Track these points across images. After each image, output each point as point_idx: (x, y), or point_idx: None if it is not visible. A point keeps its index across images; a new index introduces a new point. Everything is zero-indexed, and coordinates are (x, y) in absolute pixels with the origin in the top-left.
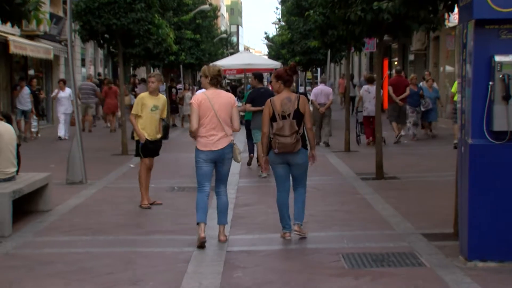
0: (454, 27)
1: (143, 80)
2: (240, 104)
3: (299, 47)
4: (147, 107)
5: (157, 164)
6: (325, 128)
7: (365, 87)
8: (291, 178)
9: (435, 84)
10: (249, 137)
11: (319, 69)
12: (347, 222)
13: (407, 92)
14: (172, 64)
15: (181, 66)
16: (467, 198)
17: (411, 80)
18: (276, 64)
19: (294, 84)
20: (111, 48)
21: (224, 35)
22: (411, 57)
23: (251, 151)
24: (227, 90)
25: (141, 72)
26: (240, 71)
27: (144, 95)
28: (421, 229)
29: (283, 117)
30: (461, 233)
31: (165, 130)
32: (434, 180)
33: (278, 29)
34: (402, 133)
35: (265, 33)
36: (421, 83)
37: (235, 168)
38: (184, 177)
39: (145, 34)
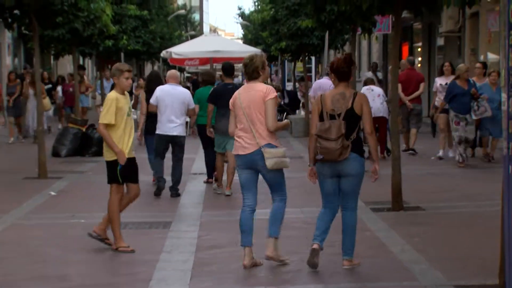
0: (497, 1)
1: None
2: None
3: (285, 28)
4: (123, 112)
5: (96, 191)
6: None
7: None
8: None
9: (487, 80)
10: (208, 147)
11: (313, 58)
12: (353, 270)
13: (421, 89)
14: (110, 52)
15: (122, 54)
16: None
17: (461, 73)
18: (254, 51)
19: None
20: (24, 29)
21: (182, 11)
22: (440, 41)
23: (210, 171)
24: (187, 87)
25: (66, 64)
26: (204, 61)
27: (115, 95)
28: (454, 280)
29: (332, 117)
30: (510, 285)
31: None
32: (472, 212)
33: (256, 3)
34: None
35: (239, 9)
36: (472, 79)
37: (196, 196)
38: (135, 209)
39: (71, 10)
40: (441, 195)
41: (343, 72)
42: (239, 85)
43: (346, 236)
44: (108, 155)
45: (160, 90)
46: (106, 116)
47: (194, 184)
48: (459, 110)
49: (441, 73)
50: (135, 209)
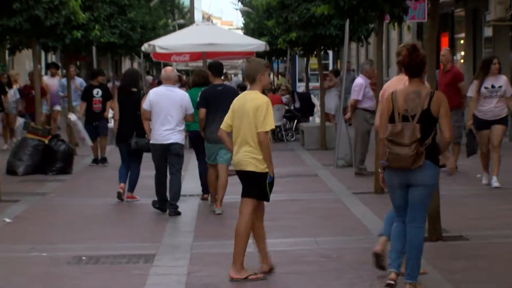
0: None
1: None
2: None
3: (296, 15)
4: None
5: (60, 217)
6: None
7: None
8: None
9: None
10: (201, 156)
11: (330, 53)
12: None
13: (463, 91)
14: (78, 45)
15: (93, 48)
16: None
17: None
18: (257, 44)
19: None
20: None
21: None
22: (488, 31)
23: (204, 185)
24: None
25: (24, 60)
26: (196, 56)
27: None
28: None
29: (405, 118)
30: None
31: None
32: None
33: None
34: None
35: None
36: None
37: (185, 222)
38: (110, 238)
39: None
40: (487, 222)
41: (413, 66)
42: (240, 86)
43: (410, 256)
44: (261, 166)
45: (154, 93)
46: (269, 121)
47: (183, 207)
48: None
49: (485, 71)
50: (109, 237)
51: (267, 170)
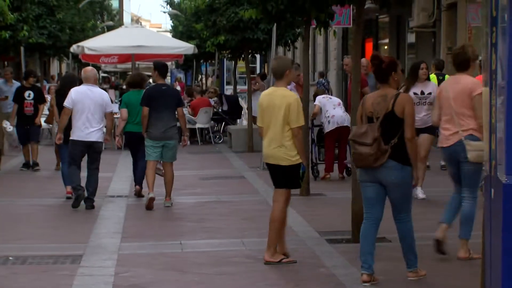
0: None
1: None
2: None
3: (224, 19)
4: None
5: None
6: None
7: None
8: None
9: None
10: (138, 156)
11: (258, 56)
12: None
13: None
14: (6, 46)
15: (22, 48)
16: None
17: None
18: (185, 47)
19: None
20: None
21: None
22: (411, 37)
23: (139, 178)
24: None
25: None
26: (124, 58)
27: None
28: None
29: (370, 120)
30: None
31: None
32: (451, 244)
33: None
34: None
35: None
36: None
37: (113, 223)
38: (36, 238)
39: None
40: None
41: (376, 74)
42: (171, 87)
43: (405, 247)
44: (293, 159)
45: (75, 92)
46: (302, 117)
47: (111, 208)
48: None
49: (413, 77)
50: (36, 237)
51: (300, 161)
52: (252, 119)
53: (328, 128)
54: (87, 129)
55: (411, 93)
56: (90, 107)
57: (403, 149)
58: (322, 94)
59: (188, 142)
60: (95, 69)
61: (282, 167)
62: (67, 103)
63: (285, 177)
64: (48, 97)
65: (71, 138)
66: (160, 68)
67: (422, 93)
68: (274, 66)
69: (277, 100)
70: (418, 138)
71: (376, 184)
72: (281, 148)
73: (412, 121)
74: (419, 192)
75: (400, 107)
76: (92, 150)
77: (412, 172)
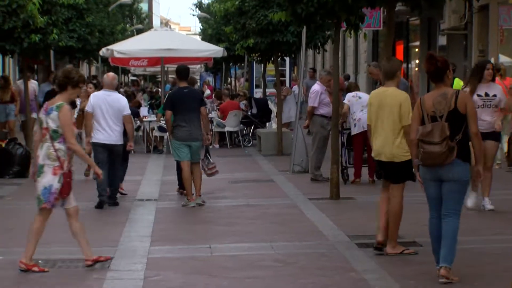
0: None
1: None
2: (153, 115)
3: (254, 22)
4: None
5: (17, 221)
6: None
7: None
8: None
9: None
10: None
11: (287, 59)
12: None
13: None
14: (36, 49)
15: (51, 51)
16: None
17: None
18: (214, 50)
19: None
20: None
21: (127, 0)
22: (442, 40)
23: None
24: (132, 94)
25: None
26: (154, 61)
27: None
28: None
29: (433, 119)
30: None
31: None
32: (478, 249)
33: None
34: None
35: None
36: None
37: (142, 227)
38: (65, 242)
39: None
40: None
41: (432, 73)
42: (193, 89)
43: (445, 244)
44: (408, 153)
45: (94, 96)
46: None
47: (141, 211)
48: None
49: (477, 78)
50: (66, 241)
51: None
52: (281, 124)
53: (354, 131)
54: (105, 132)
55: (474, 95)
56: (108, 110)
57: (465, 145)
58: (354, 89)
59: (212, 142)
60: (116, 76)
61: (397, 163)
62: (87, 107)
63: (401, 172)
64: (78, 101)
65: (91, 141)
66: (181, 71)
67: (487, 95)
68: (387, 67)
69: (388, 99)
70: (484, 144)
71: (438, 181)
72: (394, 145)
73: (475, 116)
74: (487, 203)
75: (462, 104)
76: (114, 152)
77: (470, 169)
